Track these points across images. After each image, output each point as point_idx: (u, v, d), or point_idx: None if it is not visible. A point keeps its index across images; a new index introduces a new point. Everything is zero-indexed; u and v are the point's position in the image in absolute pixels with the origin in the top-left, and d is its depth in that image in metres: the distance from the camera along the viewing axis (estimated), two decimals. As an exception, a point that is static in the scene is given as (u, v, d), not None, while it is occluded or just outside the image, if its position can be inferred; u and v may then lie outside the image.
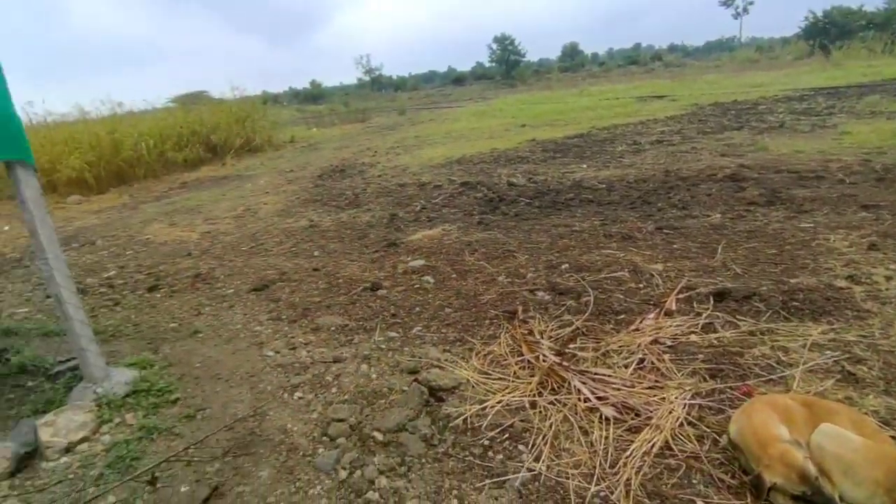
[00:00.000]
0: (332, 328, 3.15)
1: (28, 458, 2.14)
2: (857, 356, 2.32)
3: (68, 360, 2.89)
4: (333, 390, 2.48)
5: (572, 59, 67.86)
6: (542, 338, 2.70)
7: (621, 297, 3.15)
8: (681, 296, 3.05)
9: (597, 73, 45.84)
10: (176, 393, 2.57)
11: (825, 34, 33.50)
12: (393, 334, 2.99)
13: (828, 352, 2.39)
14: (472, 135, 12.61)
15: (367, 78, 71.48)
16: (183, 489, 1.91)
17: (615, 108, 14.89)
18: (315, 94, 59.72)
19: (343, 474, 1.92)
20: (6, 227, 7.50)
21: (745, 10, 61.71)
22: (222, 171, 12.04)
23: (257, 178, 10.20)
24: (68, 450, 2.18)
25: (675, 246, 3.91)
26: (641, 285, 3.29)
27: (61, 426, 2.24)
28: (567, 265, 3.72)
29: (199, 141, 13.53)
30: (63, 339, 3.21)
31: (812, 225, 4.01)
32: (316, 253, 4.81)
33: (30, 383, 2.80)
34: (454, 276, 3.80)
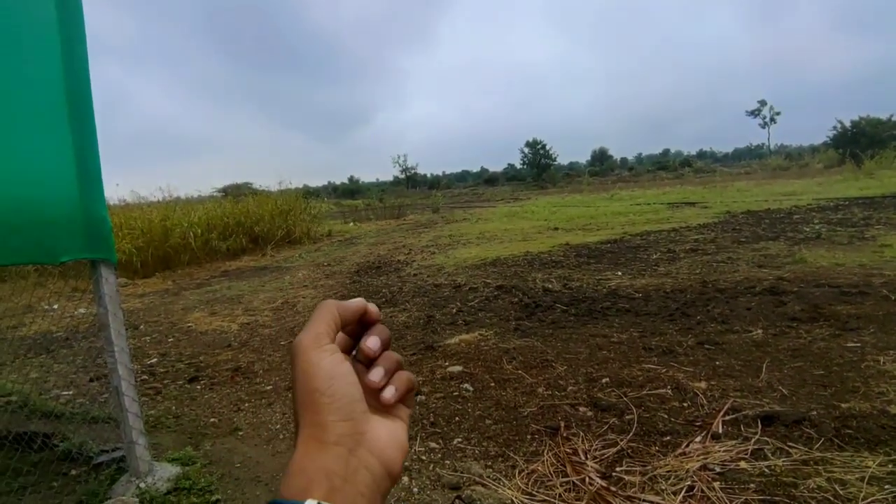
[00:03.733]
0: (372, 433, 3.13)
1: (70, 557, 2.15)
2: (919, 493, 2.21)
3: (113, 451, 2.93)
4: None
5: (601, 163, 70.10)
6: (587, 458, 2.65)
7: (665, 416, 3.09)
8: (727, 418, 2.98)
9: (626, 178, 47.02)
10: (217, 494, 2.57)
11: (855, 143, 33.79)
12: (433, 445, 2.97)
13: (887, 486, 2.27)
14: (504, 236, 12.90)
15: (402, 176, 74.71)
16: None
17: (646, 213, 15.13)
18: (353, 189, 62.57)
19: None
20: (55, 306, 7.81)
21: (773, 120, 63.67)
22: (262, 262, 12.49)
23: (296, 271, 10.53)
24: (109, 550, 2.18)
25: (717, 363, 3.85)
26: (686, 404, 3.23)
27: (105, 524, 2.25)
28: (607, 379, 3.69)
29: (244, 231, 14.20)
30: (107, 427, 3.27)
31: (859, 344, 3.92)
32: (354, 351, 4.86)
33: (73, 472, 2.84)
34: (493, 384, 3.79)
